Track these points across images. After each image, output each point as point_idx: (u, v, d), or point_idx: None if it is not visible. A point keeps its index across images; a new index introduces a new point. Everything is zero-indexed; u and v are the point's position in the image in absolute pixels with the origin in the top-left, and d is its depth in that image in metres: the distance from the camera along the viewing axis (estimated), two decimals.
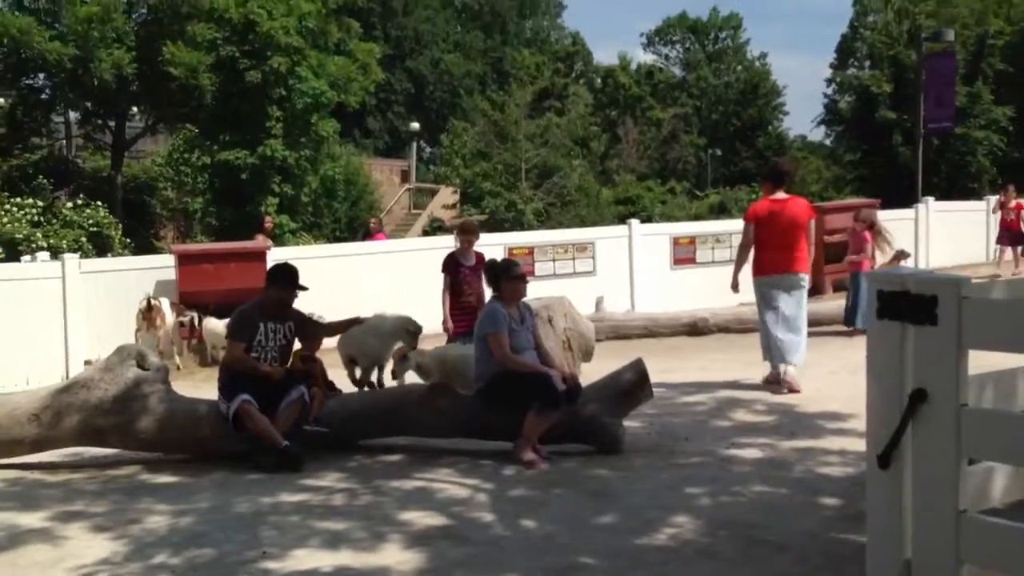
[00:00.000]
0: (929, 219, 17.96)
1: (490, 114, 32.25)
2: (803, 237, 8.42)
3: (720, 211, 32.79)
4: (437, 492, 5.54)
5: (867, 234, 11.63)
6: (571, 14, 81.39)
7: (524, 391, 6.13)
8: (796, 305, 8.40)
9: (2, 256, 17.13)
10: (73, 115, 27.59)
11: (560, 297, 9.69)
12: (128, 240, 21.95)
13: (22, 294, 11.98)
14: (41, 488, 6.11)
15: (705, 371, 9.54)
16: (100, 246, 20.14)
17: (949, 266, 15.65)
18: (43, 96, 25.14)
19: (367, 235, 17.37)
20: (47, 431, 6.51)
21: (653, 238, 15.60)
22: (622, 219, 22.60)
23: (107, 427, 6.49)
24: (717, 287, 14.57)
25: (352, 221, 32.93)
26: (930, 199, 18.81)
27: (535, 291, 10.35)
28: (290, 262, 7.31)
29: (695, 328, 12.09)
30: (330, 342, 7.72)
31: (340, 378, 7.26)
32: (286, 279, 6.73)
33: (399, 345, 7.66)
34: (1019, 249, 15.60)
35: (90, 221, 20.45)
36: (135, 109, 27.10)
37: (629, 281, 14.84)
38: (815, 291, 15.71)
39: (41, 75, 24.29)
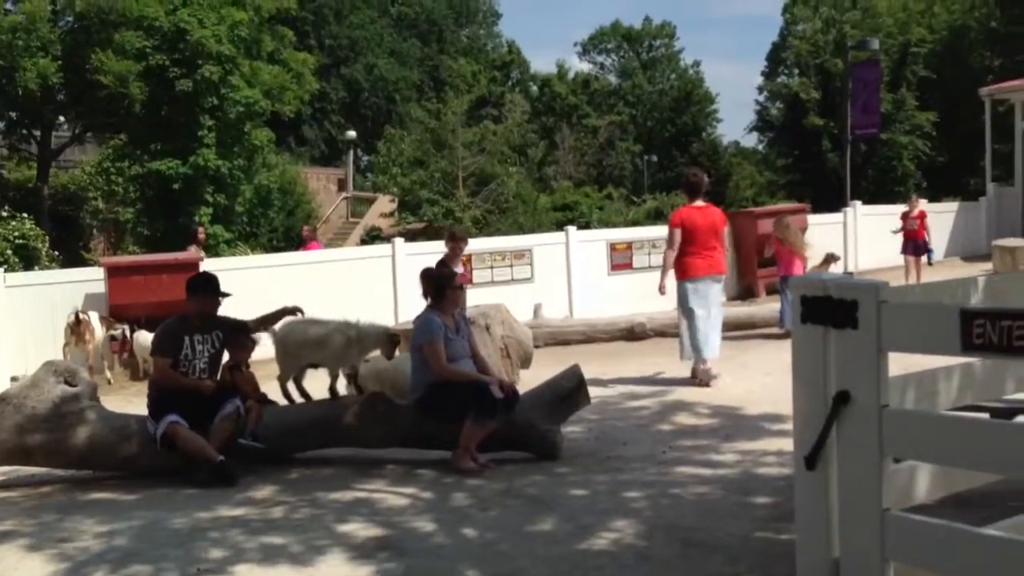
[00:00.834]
0: (857, 222, 18.40)
1: (427, 122, 32.20)
2: (721, 241, 9.36)
3: (656, 216, 33.15)
4: (376, 503, 5.52)
5: (776, 244, 12.13)
6: (507, 23, 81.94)
7: (461, 400, 6.14)
8: (716, 305, 9.25)
9: None
10: None
11: (497, 304, 9.74)
12: (56, 252, 21.41)
13: None
14: None
15: (644, 375, 9.66)
16: (26, 259, 19.59)
17: (877, 268, 16.05)
18: None
19: (300, 244, 17.20)
20: None
21: (590, 244, 15.71)
22: (560, 226, 22.74)
23: (34, 445, 6.33)
24: (654, 292, 14.76)
25: (289, 231, 32.51)
26: (858, 203, 19.27)
27: (474, 299, 10.39)
28: (210, 271, 7.20)
29: (633, 333, 12.21)
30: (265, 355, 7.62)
31: (272, 391, 7.17)
32: (205, 288, 6.62)
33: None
34: (922, 259, 15.46)
35: (15, 234, 19.88)
36: (62, 118, 26.47)
37: (567, 287, 14.93)
38: (749, 294, 16.02)
39: None
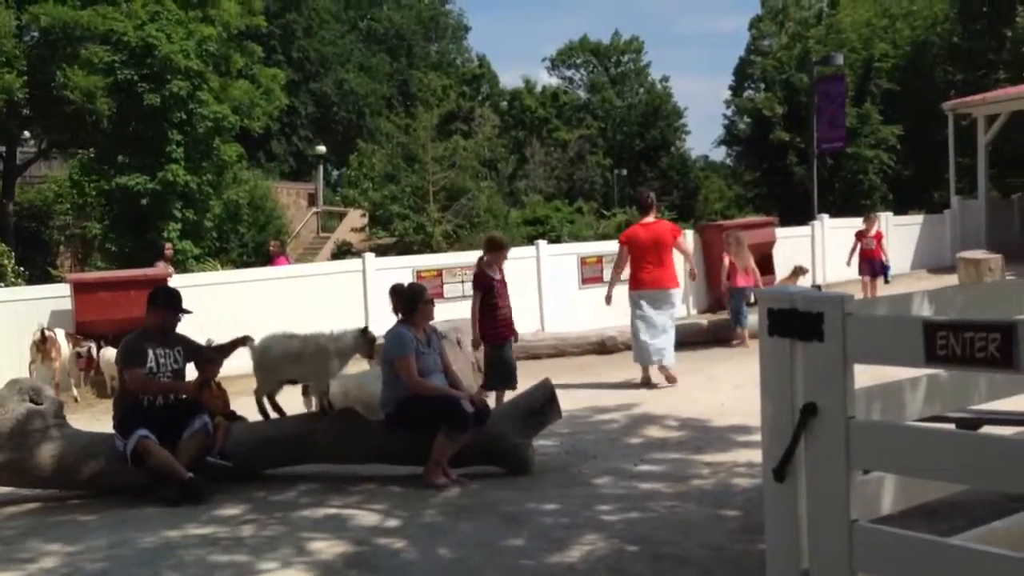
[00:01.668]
0: (825, 235, 18.58)
1: (397, 136, 32.17)
2: (669, 255, 9.81)
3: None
4: (346, 520, 5.48)
5: (725, 256, 12.67)
6: (476, 37, 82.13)
7: (432, 414, 6.13)
8: (665, 315, 9.74)
9: None
10: None
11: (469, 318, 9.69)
12: (22, 269, 21.12)
13: None
14: None
15: (615, 389, 9.69)
16: None
17: (845, 281, 16.20)
18: None
19: (269, 260, 17.09)
20: None
21: (561, 258, 15.74)
22: (530, 240, 22.76)
23: None
24: (624, 306, 14.81)
25: (260, 246, 32.26)
26: (825, 216, 19.47)
27: (445, 313, 10.37)
28: (173, 286, 7.13)
29: (604, 346, 12.24)
30: (237, 370, 7.57)
31: (246, 406, 7.11)
32: (166, 302, 6.58)
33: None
34: (879, 280, 14.72)
35: None
36: (27, 133, 26.17)
37: (538, 301, 14.93)
38: (719, 306, 16.12)
39: None
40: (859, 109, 31.35)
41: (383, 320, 9.10)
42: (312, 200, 41.60)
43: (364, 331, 6.78)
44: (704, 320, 13.64)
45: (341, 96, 50.63)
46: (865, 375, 2.88)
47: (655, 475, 6.12)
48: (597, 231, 33.69)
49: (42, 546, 5.26)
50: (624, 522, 5.12)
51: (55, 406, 6.55)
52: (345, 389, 7.07)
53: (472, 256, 16.77)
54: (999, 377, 3.12)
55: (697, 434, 7.31)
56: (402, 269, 14.15)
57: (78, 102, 22.15)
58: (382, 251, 24.26)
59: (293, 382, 6.99)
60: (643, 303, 9.70)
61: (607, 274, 15.68)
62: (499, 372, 8.47)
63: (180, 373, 6.57)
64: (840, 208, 26.78)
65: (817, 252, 18.34)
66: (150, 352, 6.37)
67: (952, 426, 4.11)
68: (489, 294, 8.61)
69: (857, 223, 16.65)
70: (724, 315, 13.37)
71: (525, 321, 13.76)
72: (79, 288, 12.43)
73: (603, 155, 47.79)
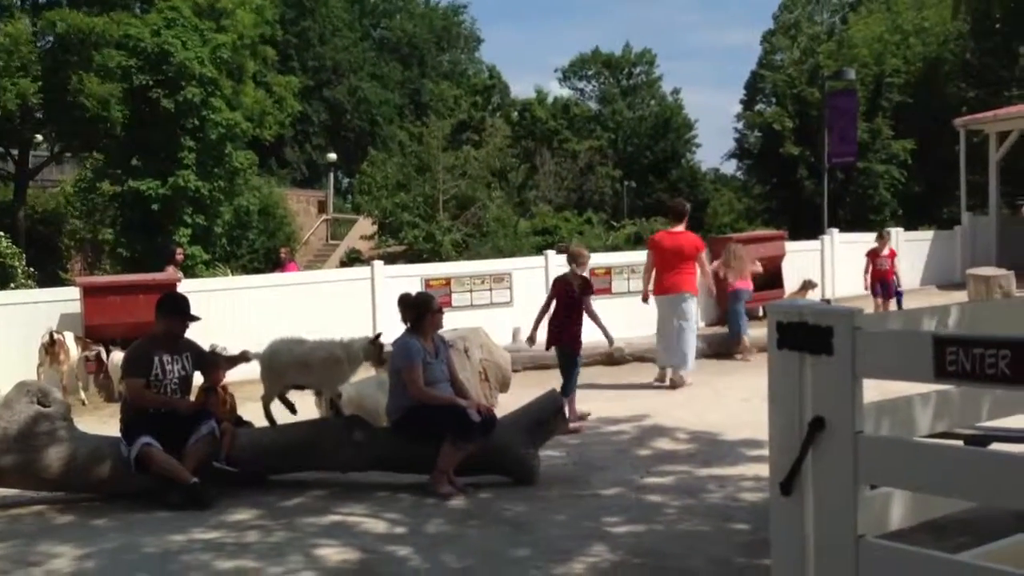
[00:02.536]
0: (834, 250, 18.54)
1: (409, 145, 32.28)
2: (688, 264, 10.17)
3: (636, 241, 33.31)
4: (353, 527, 5.48)
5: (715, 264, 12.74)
6: (488, 48, 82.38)
7: (439, 423, 6.13)
8: (680, 319, 10.14)
9: None
10: None
11: (476, 328, 9.73)
12: (33, 271, 21.22)
13: None
14: None
15: (623, 400, 9.66)
16: (2, 277, 19.42)
17: (854, 295, 16.15)
18: None
19: (278, 266, 17.16)
20: None
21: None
22: (540, 249, 22.78)
23: (5, 466, 6.24)
24: (633, 317, 14.75)
25: (269, 252, 32.40)
26: (835, 231, 19.42)
27: (453, 322, 10.38)
28: (180, 292, 7.16)
29: (612, 358, 12.20)
30: (243, 375, 7.58)
31: (252, 412, 7.12)
32: (174, 309, 6.58)
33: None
34: (891, 302, 14.07)
35: None
36: (39, 137, 26.33)
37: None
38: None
39: None
40: (870, 124, 31.32)
41: (391, 328, 9.12)
42: (322, 207, 41.72)
43: (375, 339, 6.78)
44: (708, 332, 13.58)
45: (354, 104, 50.82)
46: (871, 390, 2.87)
47: (662, 488, 6.11)
48: (606, 242, 33.72)
49: (49, 548, 5.27)
50: (630, 534, 5.11)
51: (63, 409, 6.56)
52: (347, 397, 7.08)
53: (482, 265, 16.84)
54: (1008, 394, 3.11)
55: (705, 447, 7.29)
56: (411, 277, 14.16)
57: (93, 110, 22.29)
58: (391, 259, 24.30)
59: (301, 387, 6.99)
60: (664, 307, 10.20)
61: (616, 285, 15.73)
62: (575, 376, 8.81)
63: (188, 380, 6.58)
64: (850, 223, 26.75)
65: (826, 266, 18.29)
66: (156, 359, 6.37)
67: (960, 443, 4.10)
68: (568, 301, 8.89)
69: (867, 238, 16.56)
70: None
71: None
72: (89, 292, 12.47)
73: (613, 166, 47.81)
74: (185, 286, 12.30)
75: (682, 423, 8.20)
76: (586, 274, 9.32)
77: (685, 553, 4.70)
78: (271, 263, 30.58)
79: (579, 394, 9.06)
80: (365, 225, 35.19)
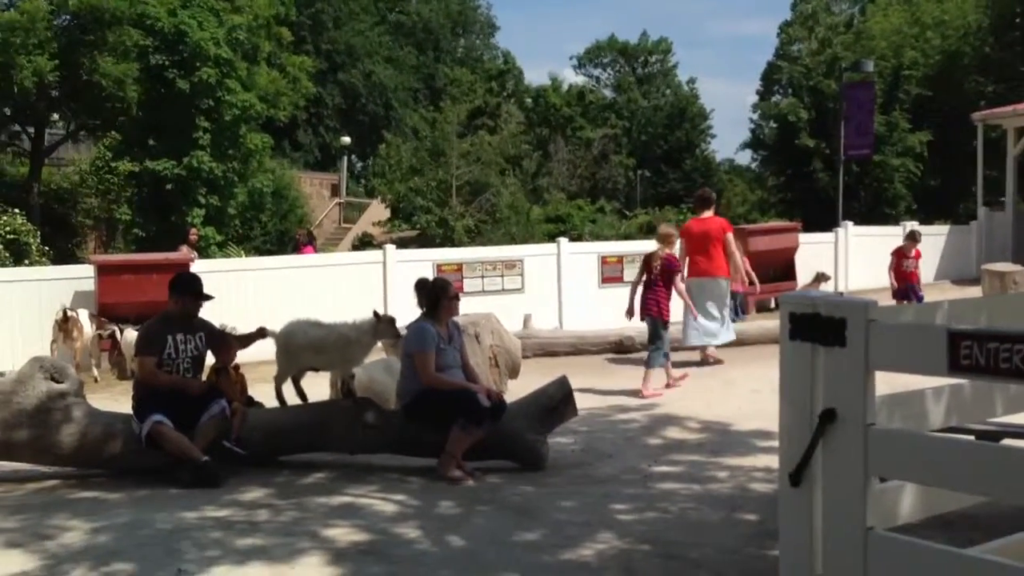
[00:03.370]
0: (848, 243, 18.49)
1: (423, 130, 32.24)
2: (716, 247, 10.71)
3: (649, 231, 33.19)
4: (361, 508, 5.51)
5: None
6: (503, 34, 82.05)
7: (449, 407, 6.15)
8: (712, 302, 10.70)
9: None
10: None
11: (487, 314, 9.74)
12: (47, 248, 21.32)
13: None
14: None
15: (632, 389, 9.67)
16: (17, 254, 19.49)
17: (867, 289, 16.10)
18: None
19: (296, 248, 17.25)
20: None
21: (581, 256, 15.74)
22: (552, 237, 22.77)
23: (18, 441, 6.30)
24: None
25: (282, 235, 32.49)
26: (849, 223, 19.37)
27: (464, 307, 10.39)
28: (194, 272, 7.19)
29: (622, 346, 12.22)
30: (254, 356, 7.61)
31: (263, 393, 7.16)
32: (187, 289, 6.60)
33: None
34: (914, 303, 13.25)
35: (7, 229, 19.78)
36: (55, 116, 26.38)
37: (557, 299, 14.95)
38: (742, 310, 16.05)
39: None
40: (887, 117, 31.10)
41: (403, 312, 9.14)
42: (335, 191, 41.77)
43: (377, 315, 6.80)
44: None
45: (368, 88, 50.76)
46: (880, 384, 2.86)
47: (671, 476, 6.12)
48: (619, 231, 33.65)
49: (62, 522, 5.31)
50: (638, 522, 5.12)
51: (76, 385, 6.61)
52: (357, 379, 7.10)
53: (494, 252, 16.85)
54: (1021, 389, 3.11)
55: (715, 437, 7.29)
56: (423, 262, 14.21)
57: (108, 88, 22.35)
58: (403, 244, 24.34)
59: (315, 369, 7.01)
60: (694, 290, 10.55)
61: (628, 274, 15.70)
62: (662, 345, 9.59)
63: (200, 359, 6.62)
64: (865, 216, 26.64)
65: (840, 259, 18.25)
66: (170, 338, 6.41)
67: (972, 438, 4.09)
68: (659, 277, 9.70)
69: (882, 231, 16.50)
70: (747, 319, 13.30)
71: (544, 318, 13.83)
72: (103, 270, 12.55)
73: (627, 155, 47.68)
74: (198, 266, 12.37)
75: (692, 412, 8.20)
76: (675, 252, 10.20)
77: (693, 542, 4.70)
78: (283, 246, 30.70)
79: (586, 383, 9.08)
80: (378, 209, 35.21)
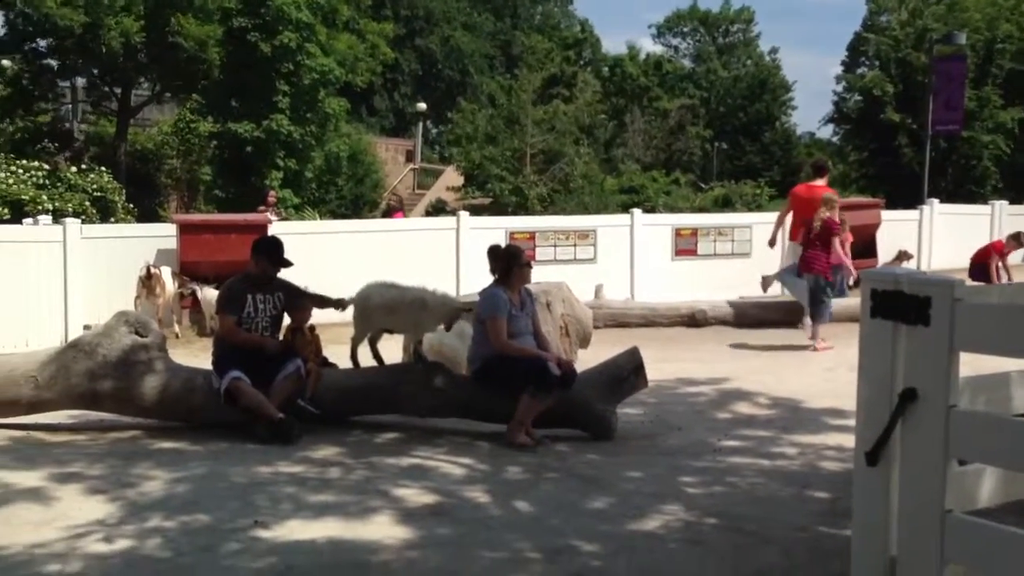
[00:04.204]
0: (933, 221, 17.96)
1: (499, 97, 32.14)
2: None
3: (724, 204, 32.73)
4: (431, 470, 5.59)
5: None
6: (581, 2, 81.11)
7: (519, 374, 6.18)
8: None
9: (8, 216, 17.12)
10: (80, 81, 27.48)
11: (559, 283, 9.72)
12: (132, 207, 21.95)
13: (24, 257, 11.98)
14: (39, 448, 6.16)
15: (703, 363, 9.59)
16: (103, 211, 20.14)
17: (951, 268, 15.65)
18: (48, 61, 24.99)
19: (387, 213, 17.70)
20: (44, 393, 6.55)
21: (655, 228, 15.60)
22: (625, 208, 22.60)
23: (103, 392, 6.54)
24: (717, 280, 14.58)
25: (357, 199, 32.90)
26: (935, 201, 18.80)
27: (536, 276, 10.40)
28: (276, 235, 7.32)
29: (694, 320, 12.11)
30: (329, 317, 7.73)
31: (337, 354, 7.29)
32: (268, 253, 6.75)
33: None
34: None
35: (94, 186, 20.42)
36: (141, 77, 27.01)
37: (629, 270, 14.85)
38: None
39: (48, 40, 24.15)
40: (978, 92, 29.99)
41: (474, 278, 9.21)
42: (410, 157, 42.00)
43: (458, 308, 6.82)
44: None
45: (445, 53, 50.77)
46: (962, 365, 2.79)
47: (740, 451, 6.07)
48: (693, 203, 33.20)
49: (144, 471, 5.51)
50: (706, 495, 5.10)
51: (159, 340, 6.82)
52: (427, 343, 7.17)
53: (567, 221, 16.82)
54: None
55: (786, 414, 7.20)
56: (496, 230, 14.22)
57: (191, 50, 22.80)
58: (476, 211, 24.40)
59: (389, 331, 7.09)
60: (792, 252, 11.43)
61: (701, 247, 15.58)
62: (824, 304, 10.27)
63: (278, 319, 6.78)
64: (951, 194, 25.84)
65: (924, 238, 17.74)
66: (249, 298, 6.58)
67: None
68: (823, 237, 10.40)
69: (970, 209, 15.95)
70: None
71: (615, 289, 13.77)
72: (185, 229, 12.87)
73: (704, 126, 46.91)
74: (274, 228, 12.59)
75: (763, 388, 8.11)
76: (835, 216, 10.66)
77: (761, 517, 4.67)
78: (358, 209, 31.10)
79: (657, 355, 9.00)
80: (452, 176, 35.31)
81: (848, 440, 5.98)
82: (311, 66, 23.78)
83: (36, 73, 24.64)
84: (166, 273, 12.06)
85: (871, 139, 34.10)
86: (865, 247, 15.95)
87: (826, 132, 51.27)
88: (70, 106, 29.16)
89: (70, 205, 18.78)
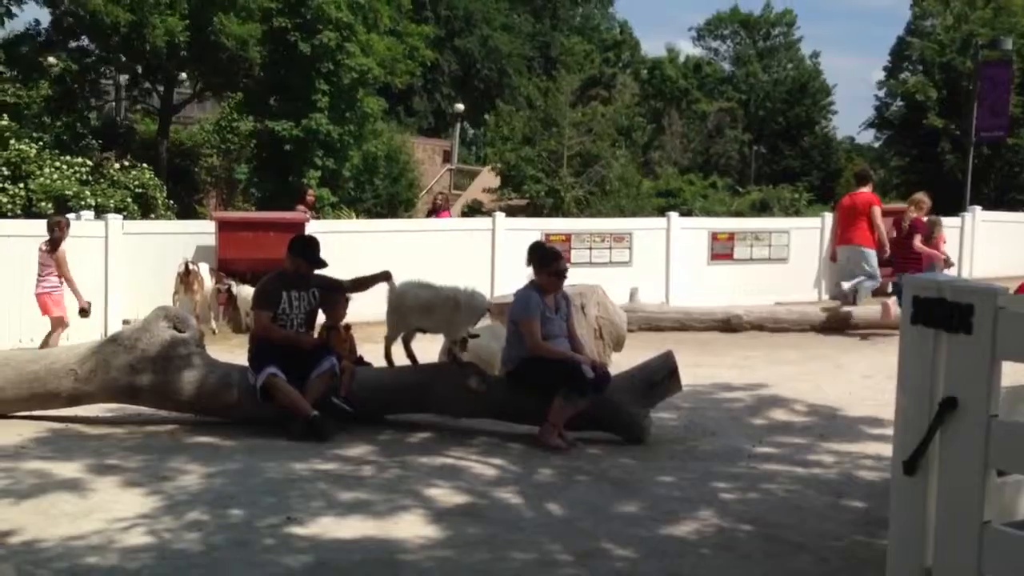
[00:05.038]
0: (976, 228, 17.66)
1: (536, 99, 32.15)
2: (861, 219, 12.20)
3: (762, 208, 32.46)
4: (462, 471, 5.60)
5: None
6: (621, 4, 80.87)
7: (552, 376, 6.16)
8: (856, 267, 12.21)
9: (52, 211, 17.40)
10: (123, 78, 27.88)
11: (594, 285, 9.69)
12: (172, 203, 22.23)
13: (67, 251, 12.11)
14: (78, 440, 6.26)
15: (738, 368, 9.52)
16: (145, 207, 20.40)
17: (994, 276, 15.40)
18: (93, 59, 25.37)
19: (432, 212, 17.92)
20: (83, 386, 6.65)
21: (691, 232, 15.48)
22: (662, 211, 22.48)
23: (141, 386, 6.62)
24: (753, 285, 14.44)
25: (393, 198, 33.02)
26: (978, 208, 18.49)
27: (571, 278, 10.38)
28: (312, 235, 7.38)
29: (728, 324, 12.02)
30: (363, 315, 7.76)
31: (371, 353, 7.32)
32: (303, 253, 6.80)
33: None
34: None
35: (136, 183, 20.69)
36: (183, 75, 27.35)
37: (665, 273, 14.75)
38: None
39: (93, 39, 24.54)
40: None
41: (510, 279, 9.20)
42: (447, 157, 42.12)
43: (488, 308, 6.84)
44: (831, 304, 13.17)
45: (484, 54, 50.84)
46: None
47: (775, 458, 6.01)
48: (730, 207, 32.97)
49: (180, 465, 5.57)
50: (739, 501, 5.06)
51: (197, 335, 6.89)
52: (476, 344, 7.15)
53: (603, 224, 16.76)
54: None
55: (823, 421, 7.13)
56: (532, 231, 14.18)
57: (232, 49, 23.04)
58: (512, 212, 24.41)
59: (423, 331, 7.10)
60: (841, 256, 12.54)
61: (738, 252, 15.44)
62: None
63: (313, 315, 6.83)
64: (994, 201, 25.43)
65: (966, 245, 17.44)
66: (285, 295, 6.65)
67: None
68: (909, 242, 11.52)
69: (1014, 216, 15.65)
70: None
71: (650, 293, 13.70)
72: (223, 226, 12.99)
73: (743, 130, 46.57)
74: (311, 226, 12.67)
75: (800, 395, 8.03)
76: (923, 217, 11.86)
77: (795, 524, 4.62)
78: (394, 208, 31.24)
79: (691, 359, 8.93)
80: (488, 177, 35.34)
81: (886, 449, 5.90)
82: (351, 65, 23.92)
83: (81, 71, 25.02)
84: (204, 269, 12.19)
85: (913, 145, 33.70)
86: None
87: (867, 137, 50.82)
88: (114, 103, 29.60)
89: (112, 201, 19.04)
